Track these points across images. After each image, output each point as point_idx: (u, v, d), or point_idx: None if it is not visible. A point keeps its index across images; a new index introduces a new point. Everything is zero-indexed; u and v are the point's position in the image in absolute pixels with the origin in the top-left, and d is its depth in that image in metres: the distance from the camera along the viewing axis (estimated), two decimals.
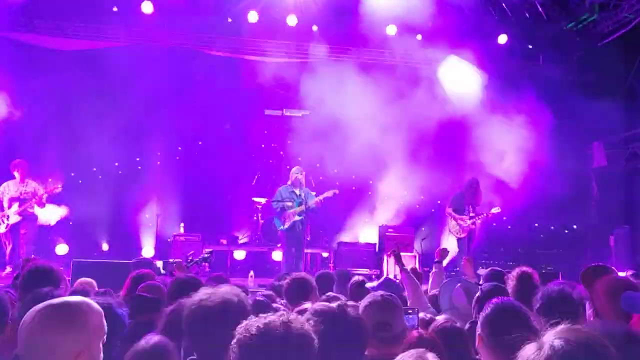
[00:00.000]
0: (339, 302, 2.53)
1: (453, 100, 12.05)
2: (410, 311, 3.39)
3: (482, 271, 6.06)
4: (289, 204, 9.83)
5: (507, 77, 12.24)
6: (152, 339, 2.54)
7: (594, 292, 3.16)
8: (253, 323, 1.91)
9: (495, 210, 10.24)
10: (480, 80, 12.00)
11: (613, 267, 3.29)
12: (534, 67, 12.43)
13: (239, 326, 1.93)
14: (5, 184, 9.55)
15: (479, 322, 2.68)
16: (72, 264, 7.47)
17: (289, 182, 10.16)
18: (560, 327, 1.48)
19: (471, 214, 10.11)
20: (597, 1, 11.20)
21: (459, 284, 4.69)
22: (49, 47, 11.16)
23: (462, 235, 10.18)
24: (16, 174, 9.50)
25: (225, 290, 2.49)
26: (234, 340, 1.90)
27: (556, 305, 3.17)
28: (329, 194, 9.91)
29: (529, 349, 1.42)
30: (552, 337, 1.41)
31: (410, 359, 2.23)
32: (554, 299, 3.28)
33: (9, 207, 9.42)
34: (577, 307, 3.20)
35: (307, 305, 3.38)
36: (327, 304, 2.57)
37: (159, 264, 8.95)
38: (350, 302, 2.87)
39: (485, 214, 10.15)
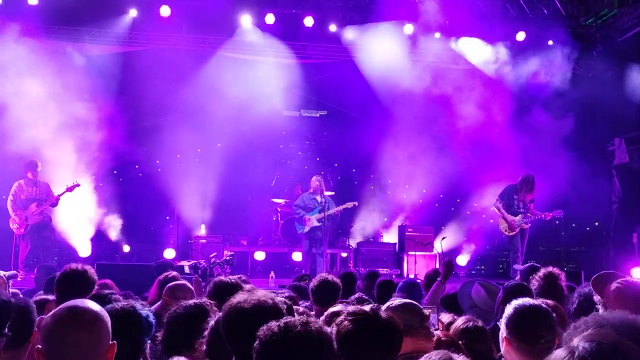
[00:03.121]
0: (371, 305, 2.53)
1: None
2: (429, 310, 3.38)
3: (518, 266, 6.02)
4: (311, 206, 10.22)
5: (526, 73, 12.14)
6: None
7: (606, 297, 3.17)
8: (274, 323, 1.95)
9: (557, 213, 9.64)
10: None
11: (622, 274, 3.30)
12: (552, 64, 12.32)
13: (261, 328, 1.97)
14: (17, 184, 9.43)
15: (503, 326, 2.65)
16: (96, 266, 7.54)
17: (311, 190, 10.39)
18: (589, 330, 1.49)
19: (521, 210, 9.65)
20: None
21: (477, 282, 4.69)
22: (67, 51, 11.26)
23: (512, 233, 9.70)
24: (29, 174, 9.41)
25: (261, 294, 2.55)
26: (256, 341, 1.94)
27: (593, 306, 3.16)
28: (348, 205, 10.32)
29: (559, 353, 1.44)
30: (582, 340, 1.43)
31: (437, 357, 2.24)
32: (591, 299, 3.27)
33: (26, 207, 9.31)
34: None
35: (337, 307, 3.40)
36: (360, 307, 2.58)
37: (186, 266, 9.09)
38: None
39: (542, 216, 9.63)
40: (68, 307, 2.04)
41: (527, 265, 6.12)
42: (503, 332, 2.63)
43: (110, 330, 2.05)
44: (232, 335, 2.37)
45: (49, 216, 9.68)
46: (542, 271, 4.40)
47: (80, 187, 9.78)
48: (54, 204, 9.56)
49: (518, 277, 6.07)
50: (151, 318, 2.67)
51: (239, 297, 2.48)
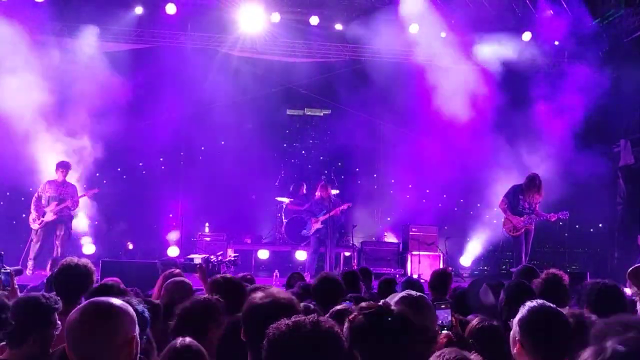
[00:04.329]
0: (383, 300, 2.52)
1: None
2: (443, 305, 3.33)
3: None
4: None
5: (531, 73, 12.13)
6: (185, 339, 2.63)
7: None
8: (283, 322, 1.95)
9: (562, 214, 9.58)
10: None
11: None
12: (559, 64, 12.29)
13: (271, 326, 1.96)
14: (46, 183, 9.66)
15: (516, 327, 2.60)
16: (101, 264, 7.55)
17: (318, 195, 10.65)
18: (625, 334, 1.48)
19: (526, 211, 9.53)
20: None
21: (485, 284, 4.66)
22: (72, 50, 11.25)
23: (517, 234, 9.62)
24: (59, 174, 9.61)
25: (277, 291, 2.59)
26: (265, 339, 1.93)
27: (609, 301, 3.14)
28: (343, 207, 10.72)
29: (588, 353, 1.42)
30: (615, 342, 1.41)
31: (450, 356, 2.22)
32: (607, 294, 3.26)
33: (47, 205, 9.51)
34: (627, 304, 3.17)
35: (340, 306, 3.39)
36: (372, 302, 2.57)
37: (198, 258, 9.14)
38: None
39: (548, 217, 9.55)
40: (89, 301, 2.12)
41: (520, 266, 6.09)
42: (516, 334, 2.59)
43: (133, 324, 2.08)
44: (249, 331, 2.38)
45: (70, 216, 9.81)
46: (545, 272, 4.38)
47: (98, 192, 10.25)
48: (74, 207, 9.78)
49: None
50: (146, 314, 2.74)
51: (259, 294, 2.49)
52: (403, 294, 2.92)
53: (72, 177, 10.33)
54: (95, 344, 1.98)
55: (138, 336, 2.09)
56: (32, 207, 9.56)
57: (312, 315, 2.02)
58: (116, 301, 2.11)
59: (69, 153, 10.50)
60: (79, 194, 9.84)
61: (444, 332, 3.15)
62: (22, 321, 2.91)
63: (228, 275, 4.36)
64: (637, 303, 3.01)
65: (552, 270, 4.43)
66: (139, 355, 2.10)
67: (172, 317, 3.29)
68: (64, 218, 9.66)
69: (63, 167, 9.66)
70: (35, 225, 9.52)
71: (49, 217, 9.50)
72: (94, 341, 1.98)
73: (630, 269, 3.16)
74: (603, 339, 1.46)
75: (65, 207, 9.61)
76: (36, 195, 9.63)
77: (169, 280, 4.58)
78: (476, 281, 5.01)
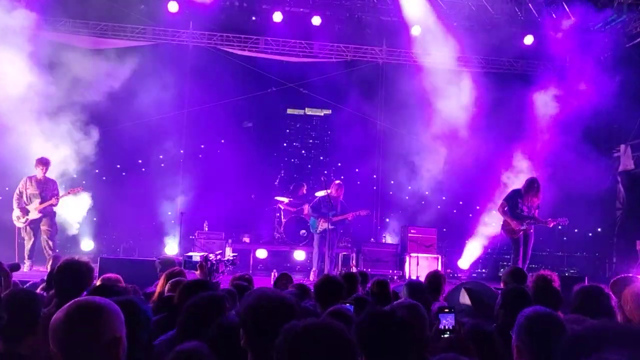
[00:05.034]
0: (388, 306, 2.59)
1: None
2: (447, 310, 3.32)
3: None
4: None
5: (533, 78, 12.13)
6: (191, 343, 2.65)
7: (623, 299, 3.16)
8: (297, 323, 1.98)
9: (562, 220, 9.55)
10: None
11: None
12: (560, 68, 12.30)
13: (284, 327, 1.99)
14: (26, 179, 9.54)
15: (515, 333, 2.60)
16: (100, 260, 7.55)
17: (329, 191, 10.22)
18: (621, 345, 1.49)
19: (525, 214, 9.44)
20: (626, 1, 11.05)
21: (462, 288, 4.69)
22: (75, 45, 11.25)
23: (515, 236, 9.53)
24: (39, 171, 9.49)
25: (273, 292, 2.61)
26: (278, 340, 1.95)
27: (593, 304, 3.15)
28: (361, 212, 10.30)
29: None
30: (616, 354, 1.42)
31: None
32: (592, 297, 3.26)
33: (30, 202, 9.44)
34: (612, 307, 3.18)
35: (336, 307, 3.39)
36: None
37: (197, 256, 9.14)
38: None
39: (546, 222, 9.48)
40: (74, 300, 2.05)
41: (508, 269, 6.09)
42: (515, 340, 2.58)
43: (120, 324, 2.04)
44: (250, 333, 2.41)
45: (53, 212, 9.72)
46: (535, 274, 4.39)
47: (81, 192, 10.02)
48: (55, 204, 9.67)
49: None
50: (149, 313, 2.70)
51: (255, 296, 2.51)
52: (399, 301, 2.97)
53: (73, 175, 10.34)
54: (79, 344, 1.94)
55: (125, 336, 2.04)
56: (15, 204, 9.45)
57: (325, 317, 2.05)
58: (102, 300, 2.05)
59: (69, 150, 10.49)
60: (61, 194, 9.64)
61: (446, 336, 3.14)
62: (13, 315, 2.90)
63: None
64: (618, 314, 3.03)
65: (542, 272, 4.43)
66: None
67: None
68: (48, 213, 9.58)
69: (43, 163, 9.52)
70: (19, 223, 9.44)
71: (34, 215, 9.44)
72: (78, 341, 1.94)
73: (612, 280, 3.22)
74: (600, 348, 1.47)
75: (47, 204, 9.51)
76: (17, 191, 9.51)
77: (173, 280, 4.55)
78: (460, 285, 5.05)
